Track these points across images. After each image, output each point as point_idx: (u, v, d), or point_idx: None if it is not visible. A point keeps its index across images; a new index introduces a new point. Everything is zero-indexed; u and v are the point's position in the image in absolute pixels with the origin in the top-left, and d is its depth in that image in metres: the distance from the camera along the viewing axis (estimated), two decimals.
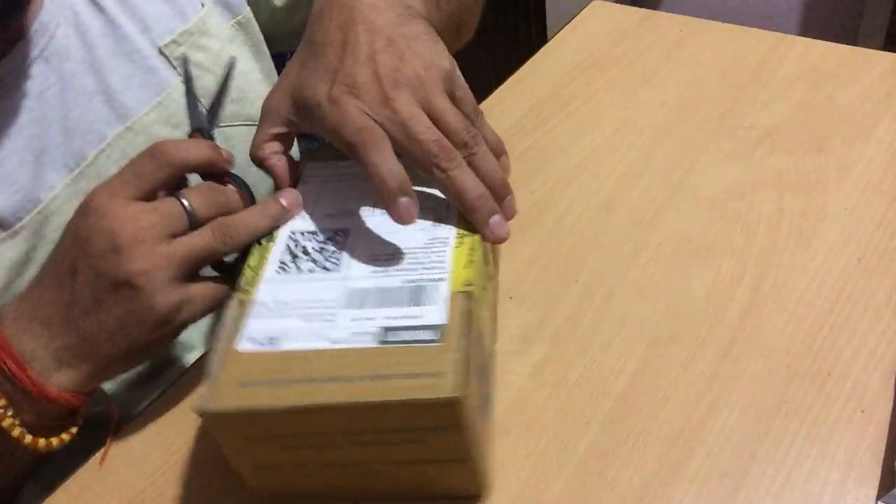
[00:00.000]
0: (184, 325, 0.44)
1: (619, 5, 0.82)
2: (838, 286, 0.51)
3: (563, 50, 0.77)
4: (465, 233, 0.45)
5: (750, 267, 0.53)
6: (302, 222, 0.48)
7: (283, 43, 0.71)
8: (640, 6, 0.87)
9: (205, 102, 0.60)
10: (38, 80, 0.53)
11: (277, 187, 0.49)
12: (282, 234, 0.47)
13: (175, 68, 0.59)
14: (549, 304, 0.53)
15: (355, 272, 0.43)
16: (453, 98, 0.47)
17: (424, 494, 0.43)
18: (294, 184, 0.50)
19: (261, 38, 0.67)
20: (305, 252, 0.45)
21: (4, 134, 0.51)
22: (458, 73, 0.48)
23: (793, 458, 0.43)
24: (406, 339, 0.39)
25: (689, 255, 0.55)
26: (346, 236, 0.46)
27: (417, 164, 0.44)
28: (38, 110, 0.53)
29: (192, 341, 0.62)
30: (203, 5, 0.61)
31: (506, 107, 0.70)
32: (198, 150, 0.47)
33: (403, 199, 0.43)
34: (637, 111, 0.68)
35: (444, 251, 0.44)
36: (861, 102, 0.65)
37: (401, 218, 0.43)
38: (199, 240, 0.44)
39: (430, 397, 0.36)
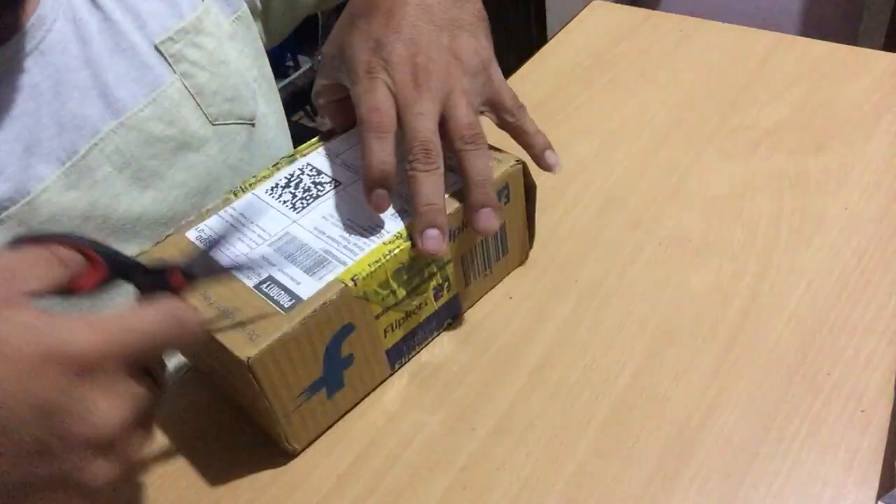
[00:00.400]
0: None
1: (619, 5, 0.82)
2: (838, 286, 0.51)
3: (563, 50, 0.77)
4: (403, 239, 0.46)
5: (750, 267, 0.53)
6: (320, 159, 0.53)
7: (281, 36, 0.72)
8: (640, 6, 0.87)
9: (198, 100, 0.61)
10: (33, 73, 0.53)
11: (329, 131, 0.55)
12: (300, 161, 0.53)
13: (170, 66, 0.59)
14: (549, 304, 0.53)
15: (305, 221, 0.48)
16: (488, 94, 0.50)
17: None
18: (350, 126, 0.54)
19: (257, 33, 0.68)
20: (297, 185, 0.51)
21: None
22: (495, 65, 0.50)
23: (793, 459, 0.43)
24: (271, 295, 0.44)
25: (689, 255, 0.55)
26: (334, 187, 0.50)
27: (402, 151, 0.46)
28: (31, 103, 0.53)
29: None
30: (202, 1, 0.62)
31: None
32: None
33: (379, 191, 0.46)
34: (637, 111, 0.68)
35: (371, 241, 0.46)
36: (861, 102, 0.65)
37: (371, 206, 0.46)
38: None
39: (230, 348, 0.41)
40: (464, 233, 0.48)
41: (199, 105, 0.61)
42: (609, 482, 0.43)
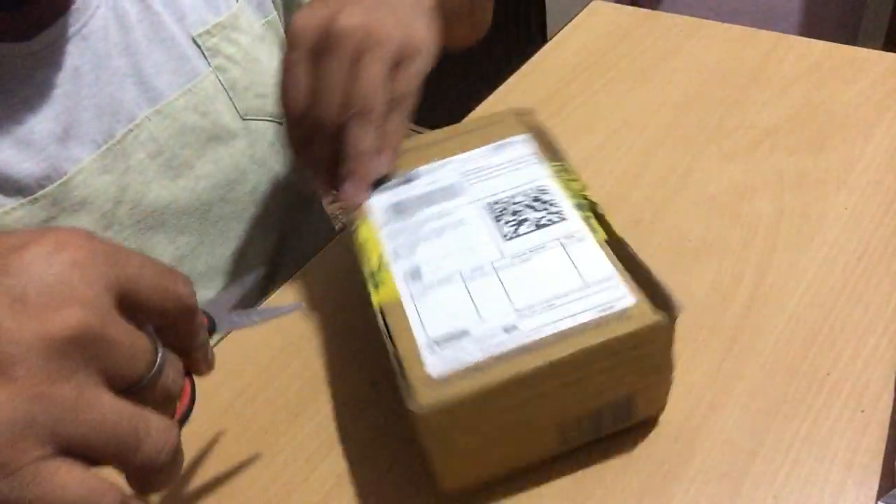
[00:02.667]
0: None
1: (619, 5, 0.82)
2: (838, 286, 0.51)
3: (563, 50, 0.77)
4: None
5: (750, 267, 0.53)
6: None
7: None
8: (640, 6, 0.87)
9: (231, 94, 0.62)
10: (74, 56, 0.55)
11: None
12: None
13: (206, 59, 0.61)
14: None
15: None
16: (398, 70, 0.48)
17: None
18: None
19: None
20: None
21: (36, 104, 0.53)
22: (421, 55, 0.48)
23: (793, 458, 0.43)
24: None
25: (689, 255, 0.55)
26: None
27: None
28: (71, 85, 0.55)
29: None
30: (237, 1, 0.64)
31: (506, 106, 0.70)
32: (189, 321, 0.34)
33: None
34: (637, 111, 0.68)
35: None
36: (861, 102, 0.65)
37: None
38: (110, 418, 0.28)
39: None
40: None
41: (231, 99, 0.62)
42: (609, 482, 0.43)
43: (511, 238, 0.44)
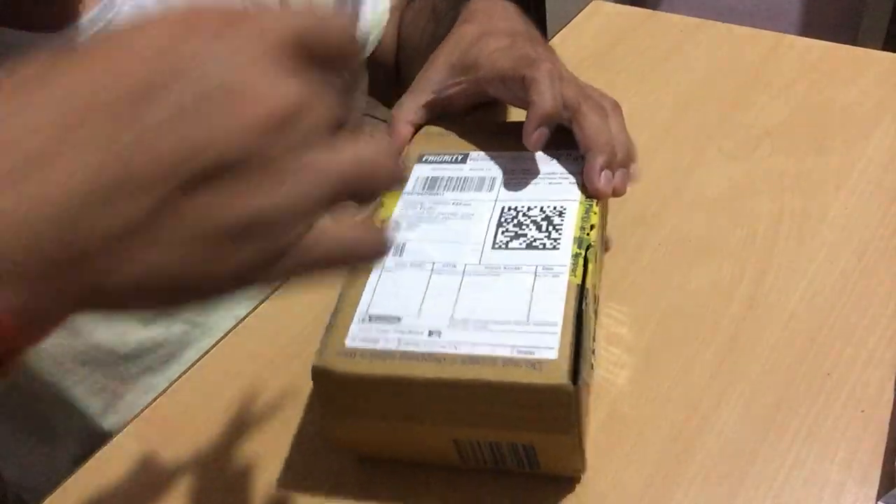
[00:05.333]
0: (268, 269, 0.25)
1: (619, 5, 0.82)
2: (838, 286, 0.51)
3: (563, 50, 0.77)
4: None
5: (750, 267, 0.53)
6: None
7: None
8: (640, 6, 0.87)
9: None
10: None
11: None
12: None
13: None
14: None
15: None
16: None
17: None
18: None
19: None
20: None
21: None
22: None
23: (793, 458, 0.43)
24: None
25: (689, 255, 0.55)
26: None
27: (567, 102, 0.47)
28: None
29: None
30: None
31: (506, 106, 0.70)
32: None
33: (544, 129, 0.46)
34: (637, 111, 0.68)
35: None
36: (861, 102, 0.65)
37: (532, 142, 0.46)
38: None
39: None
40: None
41: None
42: (609, 482, 0.43)
43: (498, 248, 0.44)
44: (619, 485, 0.43)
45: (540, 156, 0.49)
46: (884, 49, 0.71)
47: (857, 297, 0.50)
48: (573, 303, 0.40)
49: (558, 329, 0.39)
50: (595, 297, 0.47)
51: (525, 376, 0.37)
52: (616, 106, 0.50)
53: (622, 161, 0.47)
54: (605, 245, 0.54)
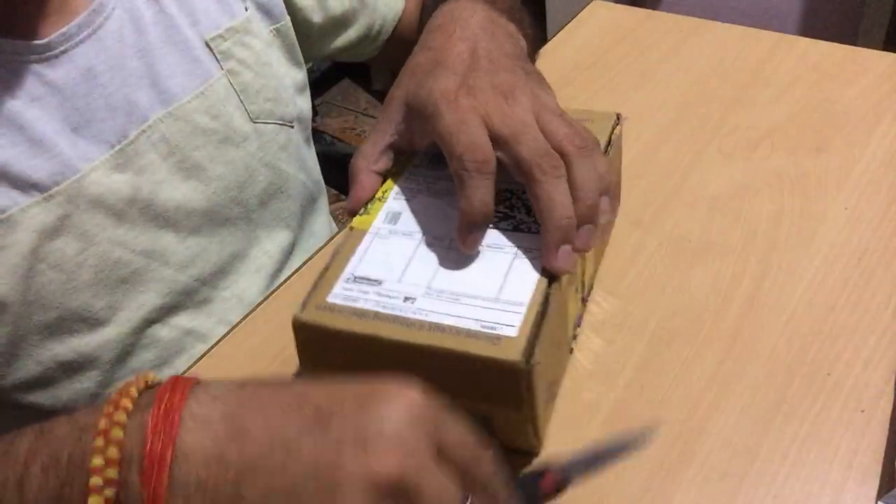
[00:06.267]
0: None
1: (619, 5, 0.82)
2: (838, 286, 0.51)
3: (563, 50, 0.77)
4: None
5: (750, 267, 0.53)
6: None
7: (308, 60, 0.73)
8: (640, 6, 0.87)
9: (242, 97, 0.62)
10: (89, 56, 0.55)
11: (351, 201, 0.48)
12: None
13: (218, 62, 0.62)
14: None
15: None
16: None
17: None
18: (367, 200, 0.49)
19: (297, 46, 0.70)
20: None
21: (49, 102, 0.54)
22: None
23: (793, 458, 0.43)
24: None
25: (689, 255, 0.55)
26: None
27: (520, 166, 0.43)
28: (84, 85, 0.55)
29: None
30: (247, 9, 0.64)
31: None
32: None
33: (477, 233, 0.43)
34: (637, 111, 0.68)
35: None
36: (861, 102, 0.65)
37: (466, 247, 0.43)
38: None
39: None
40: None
41: (242, 102, 0.63)
42: (609, 482, 0.43)
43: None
44: (620, 484, 0.43)
45: None
46: (884, 49, 0.71)
47: (857, 297, 0.50)
48: (543, 287, 0.42)
49: (524, 309, 0.40)
50: (583, 284, 0.48)
51: (483, 349, 0.39)
52: (583, 149, 0.44)
53: (586, 216, 0.43)
54: (606, 238, 0.54)
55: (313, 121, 0.79)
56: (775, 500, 0.41)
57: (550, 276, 0.42)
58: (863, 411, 0.44)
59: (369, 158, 0.49)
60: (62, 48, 0.54)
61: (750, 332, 0.49)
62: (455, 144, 0.43)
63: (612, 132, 0.51)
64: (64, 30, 0.54)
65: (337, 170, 0.78)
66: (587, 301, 0.52)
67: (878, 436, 0.43)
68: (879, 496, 0.41)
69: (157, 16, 0.59)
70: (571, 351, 0.49)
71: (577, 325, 0.50)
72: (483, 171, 0.42)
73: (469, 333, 0.39)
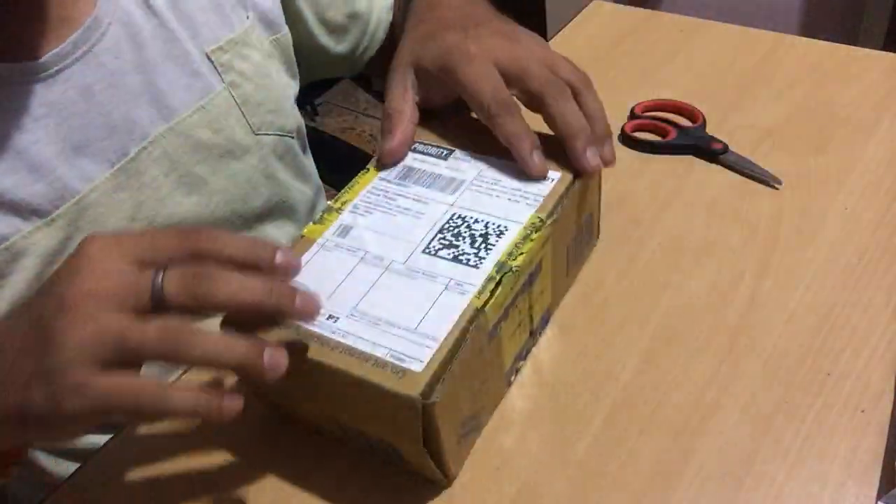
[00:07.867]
0: (86, 418, 0.37)
1: (619, 5, 0.82)
2: (838, 286, 0.51)
3: (563, 50, 0.77)
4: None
5: (750, 267, 0.53)
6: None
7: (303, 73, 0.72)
8: (640, 6, 0.87)
9: (243, 109, 0.62)
10: (86, 74, 0.54)
11: (385, 144, 0.52)
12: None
13: (219, 74, 0.61)
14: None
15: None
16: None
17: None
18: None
19: (293, 59, 0.69)
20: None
21: (46, 123, 0.53)
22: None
23: (793, 459, 0.43)
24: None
25: (689, 255, 0.55)
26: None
27: (532, 95, 0.49)
28: (82, 104, 0.54)
29: None
30: (248, 18, 0.63)
31: None
32: (237, 245, 0.40)
33: (539, 153, 0.48)
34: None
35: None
36: (861, 102, 0.65)
37: (536, 171, 0.48)
38: (138, 334, 0.37)
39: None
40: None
41: (243, 114, 0.62)
42: (609, 482, 0.43)
43: (427, 253, 0.44)
44: (620, 484, 0.43)
45: (508, 167, 0.49)
46: (884, 49, 0.71)
47: (857, 297, 0.50)
48: (463, 324, 0.41)
49: (436, 345, 0.40)
50: (531, 319, 0.48)
51: (385, 380, 0.38)
52: (585, 82, 0.51)
53: (600, 136, 0.49)
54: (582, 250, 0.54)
55: (313, 121, 0.79)
56: (775, 501, 0.41)
57: (473, 315, 0.41)
58: (863, 411, 0.44)
59: (406, 109, 0.53)
60: (57, 67, 0.52)
61: (750, 332, 0.49)
62: (480, 95, 0.49)
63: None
64: (58, 49, 0.52)
65: (337, 170, 0.78)
66: (538, 334, 0.51)
67: (878, 436, 0.43)
68: (879, 496, 0.41)
69: (157, 30, 0.58)
70: (510, 384, 0.48)
71: (522, 357, 0.49)
72: (511, 111, 0.48)
73: (377, 362, 0.39)
